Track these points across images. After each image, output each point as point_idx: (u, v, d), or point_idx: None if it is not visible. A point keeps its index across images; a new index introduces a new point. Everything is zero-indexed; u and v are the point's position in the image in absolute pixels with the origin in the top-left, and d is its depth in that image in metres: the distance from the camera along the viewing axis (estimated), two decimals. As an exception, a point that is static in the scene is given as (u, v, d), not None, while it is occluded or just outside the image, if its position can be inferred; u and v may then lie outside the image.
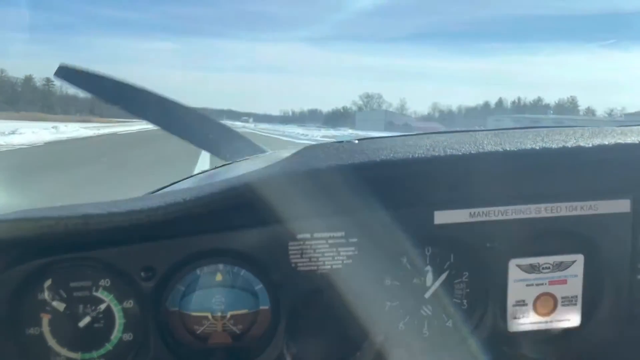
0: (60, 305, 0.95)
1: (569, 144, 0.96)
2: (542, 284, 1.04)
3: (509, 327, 1.05)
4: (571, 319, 1.06)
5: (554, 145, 0.96)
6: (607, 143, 0.97)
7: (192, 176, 1.47)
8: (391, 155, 0.95)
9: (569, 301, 1.05)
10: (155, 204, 0.89)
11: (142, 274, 0.95)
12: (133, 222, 0.88)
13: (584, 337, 1.06)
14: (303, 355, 1.02)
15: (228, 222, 0.94)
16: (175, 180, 1.39)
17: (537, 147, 0.96)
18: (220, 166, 1.50)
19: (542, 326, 1.05)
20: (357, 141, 1.07)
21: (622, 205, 1.03)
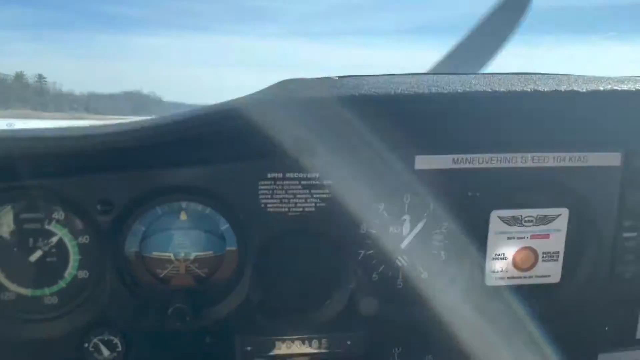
0: (9, 238, 0.89)
1: (562, 88, 0.90)
2: (524, 238, 0.99)
3: (487, 280, 1.01)
4: (551, 275, 1.01)
5: (546, 89, 0.90)
6: (602, 89, 0.91)
7: None
8: (372, 90, 0.88)
9: (550, 257, 1.01)
10: (111, 130, 0.82)
11: (99, 207, 0.88)
12: (86, 148, 0.81)
13: (563, 293, 1.03)
14: (269, 301, 0.97)
15: (192, 155, 0.87)
16: None
17: (528, 89, 0.89)
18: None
19: (521, 281, 1.01)
20: (337, 77, 0.99)
21: (613, 159, 0.98)
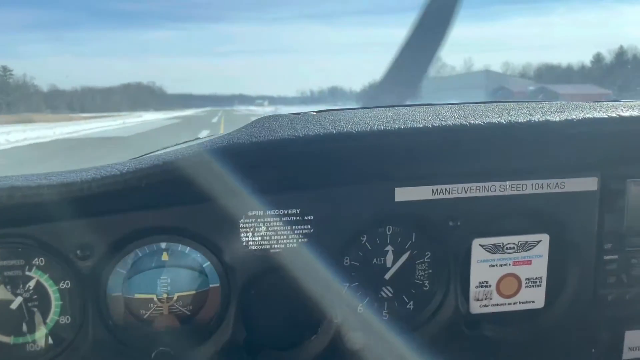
0: None
1: (536, 118, 0.91)
2: (506, 265, 1.00)
3: (472, 309, 1.01)
4: (535, 300, 1.02)
5: (521, 119, 0.91)
6: (575, 118, 0.92)
7: (164, 148, 1.38)
8: (349, 127, 0.89)
9: (533, 282, 1.01)
10: (90, 177, 0.82)
11: (79, 252, 0.88)
12: (64, 196, 0.81)
13: (547, 318, 1.03)
14: (254, 339, 0.96)
15: (171, 197, 0.87)
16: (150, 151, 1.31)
17: (503, 121, 0.91)
18: (191, 140, 1.42)
19: (506, 308, 1.02)
20: (314, 112, 1.01)
21: (590, 184, 0.99)
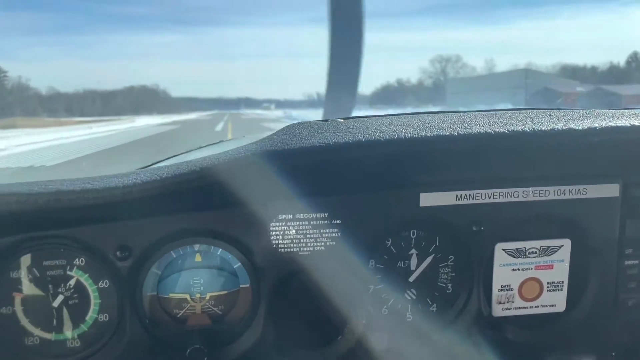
0: (33, 285, 0.93)
1: (559, 126, 0.94)
2: (528, 269, 1.02)
3: (494, 311, 1.03)
4: (557, 304, 1.04)
5: (544, 127, 0.93)
6: (597, 126, 0.94)
7: (187, 152, 1.42)
8: (377, 134, 0.92)
9: (555, 286, 1.04)
10: (131, 181, 0.86)
11: (118, 253, 0.92)
12: (107, 200, 0.85)
13: (568, 321, 1.05)
14: (283, 339, 1.00)
15: (205, 201, 0.91)
16: (172, 155, 1.34)
17: (527, 129, 0.93)
18: (216, 143, 1.46)
19: (527, 311, 1.04)
20: (342, 120, 1.04)
21: (611, 190, 1.01)
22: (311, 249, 0.96)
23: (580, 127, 0.94)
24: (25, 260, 0.92)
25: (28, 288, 0.93)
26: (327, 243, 0.97)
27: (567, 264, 1.03)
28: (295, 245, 0.96)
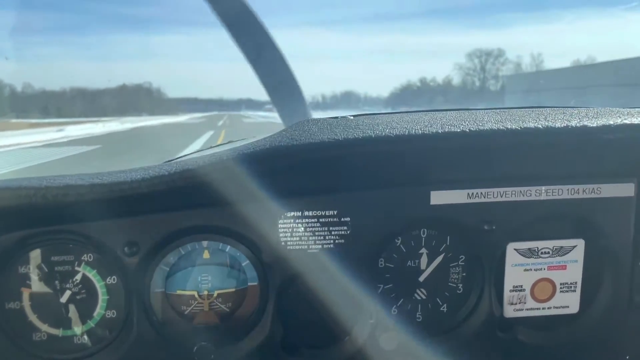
0: (41, 280, 0.93)
1: (573, 123, 0.92)
2: (541, 269, 1.01)
3: (505, 312, 1.01)
4: (570, 305, 1.02)
5: (558, 125, 0.92)
6: (612, 123, 0.92)
7: (204, 149, 1.41)
8: (387, 131, 0.90)
9: (568, 287, 1.02)
10: (139, 177, 0.86)
11: (126, 249, 0.91)
12: (115, 195, 0.85)
13: (582, 323, 1.03)
14: (291, 337, 0.99)
15: (214, 197, 0.90)
16: (192, 151, 1.33)
17: (540, 126, 0.91)
18: (234, 141, 1.45)
19: (540, 312, 1.02)
20: (352, 117, 1.03)
21: (626, 189, 0.99)
22: (320, 246, 0.95)
23: (595, 125, 0.92)
24: (34, 255, 0.92)
25: (36, 283, 0.93)
26: (336, 241, 0.96)
27: (580, 265, 1.01)
28: (303, 242, 0.95)
